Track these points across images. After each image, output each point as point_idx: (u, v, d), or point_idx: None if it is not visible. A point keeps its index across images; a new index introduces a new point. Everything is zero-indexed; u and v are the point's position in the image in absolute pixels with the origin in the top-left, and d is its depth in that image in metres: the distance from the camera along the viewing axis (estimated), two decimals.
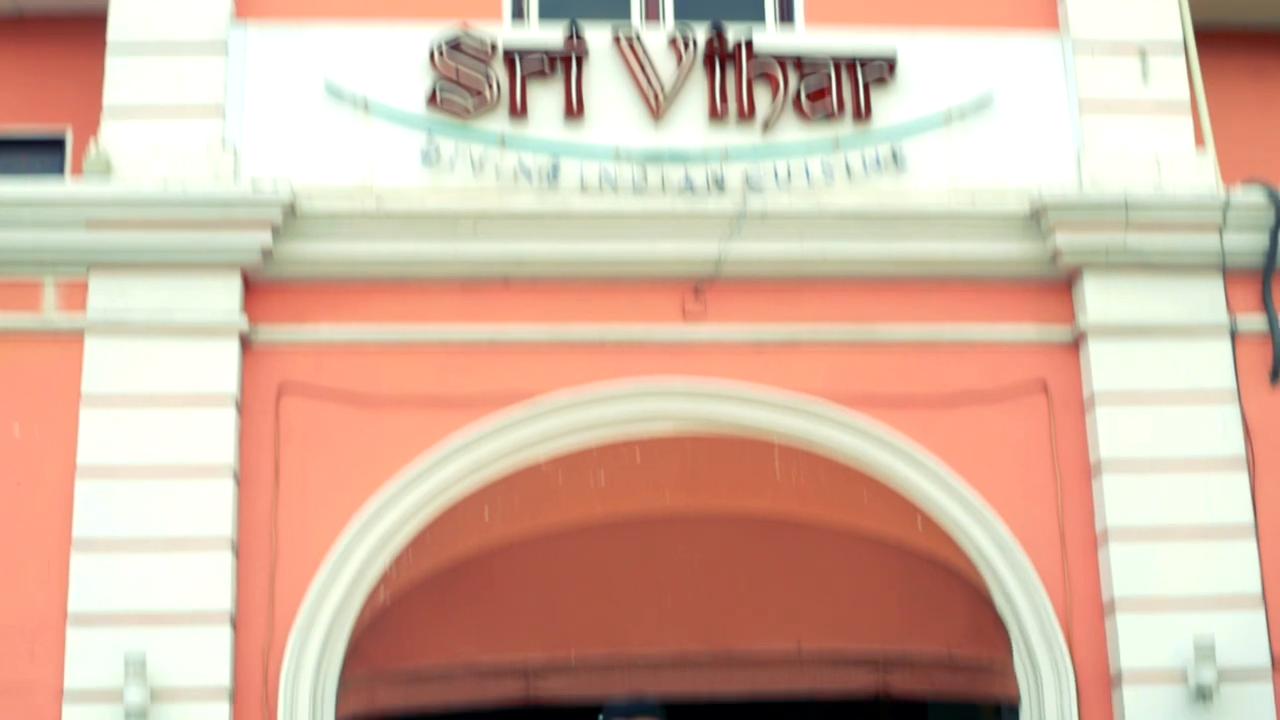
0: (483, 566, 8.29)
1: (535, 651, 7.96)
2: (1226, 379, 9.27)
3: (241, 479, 8.86)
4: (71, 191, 9.02)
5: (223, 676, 8.52)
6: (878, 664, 8.02)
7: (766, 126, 9.34)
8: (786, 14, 9.93)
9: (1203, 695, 8.70)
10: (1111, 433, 9.11)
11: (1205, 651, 8.67)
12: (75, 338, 8.93)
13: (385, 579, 8.71)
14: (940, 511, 9.03)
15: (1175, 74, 9.72)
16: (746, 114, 9.33)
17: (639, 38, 9.43)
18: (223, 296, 8.99)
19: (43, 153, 10.51)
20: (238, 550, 8.76)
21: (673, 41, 9.44)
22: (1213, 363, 9.28)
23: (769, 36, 9.67)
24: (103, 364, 8.89)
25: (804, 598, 8.30)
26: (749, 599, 8.21)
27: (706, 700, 7.73)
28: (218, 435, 8.82)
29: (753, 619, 8.14)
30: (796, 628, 8.10)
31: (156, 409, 8.83)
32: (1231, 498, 9.09)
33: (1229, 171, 9.75)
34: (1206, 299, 9.35)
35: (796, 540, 8.41)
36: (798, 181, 9.29)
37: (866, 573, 8.46)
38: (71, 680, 8.49)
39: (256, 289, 9.10)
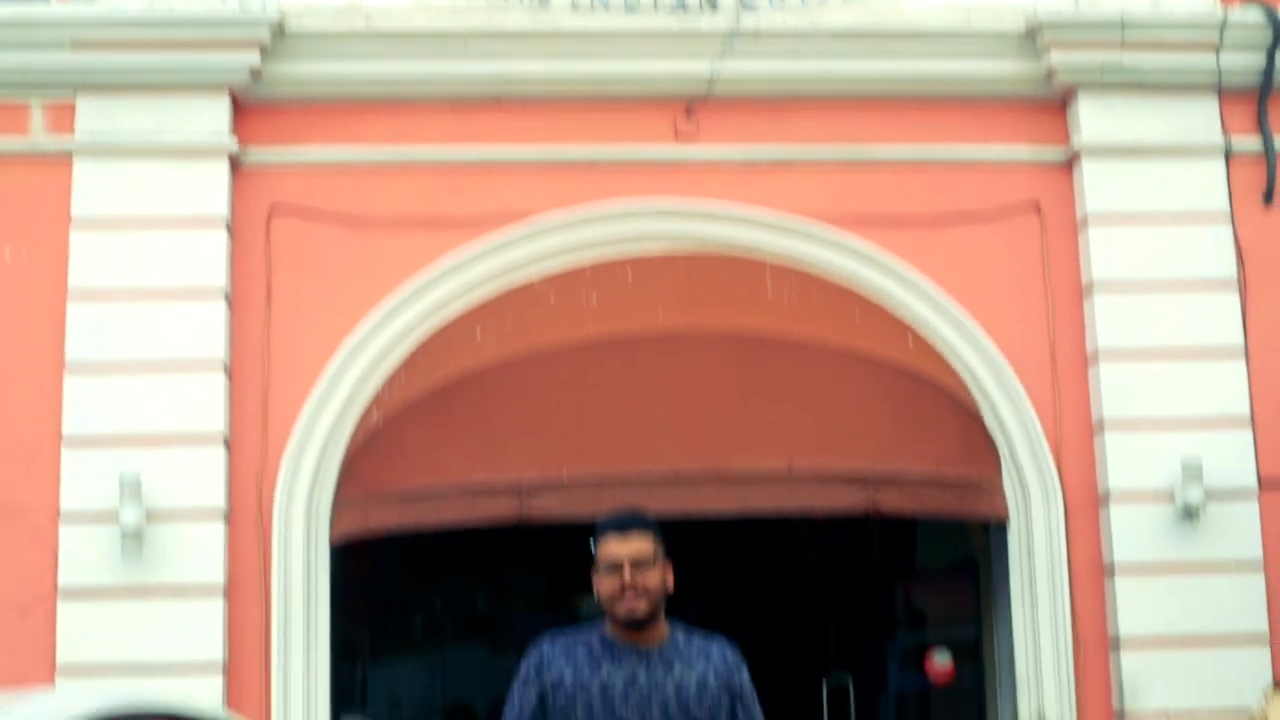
0: (475, 386, 8.30)
1: (528, 470, 8.00)
2: (1220, 200, 9.23)
3: (233, 301, 8.85)
4: (57, 12, 8.91)
5: (217, 497, 8.61)
6: (868, 482, 8.06)
7: None
8: None
9: (1189, 515, 8.79)
10: (1104, 253, 9.10)
11: (1192, 471, 8.75)
12: (64, 160, 8.88)
13: (378, 400, 8.75)
14: (931, 331, 9.06)
15: None
16: None
17: None
18: (211, 118, 8.92)
19: None
20: (230, 372, 8.79)
21: None
22: (1206, 183, 9.24)
23: None
24: (92, 186, 8.84)
25: (795, 416, 8.33)
26: (740, 417, 8.24)
27: (698, 518, 7.78)
28: (208, 257, 8.81)
29: (744, 437, 8.17)
30: (787, 446, 8.14)
31: (146, 231, 8.81)
32: (1222, 319, 9.10)
33: None
34: (1202, 119, 9.28)
35: (788, 359, 8.42)
36: None
37: (858, 391, 8.48)
38: (68, 502, 8.57)
39: (246, 110, 9.02)
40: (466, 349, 8.55)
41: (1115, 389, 8.97)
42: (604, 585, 4.94)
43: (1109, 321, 9.03)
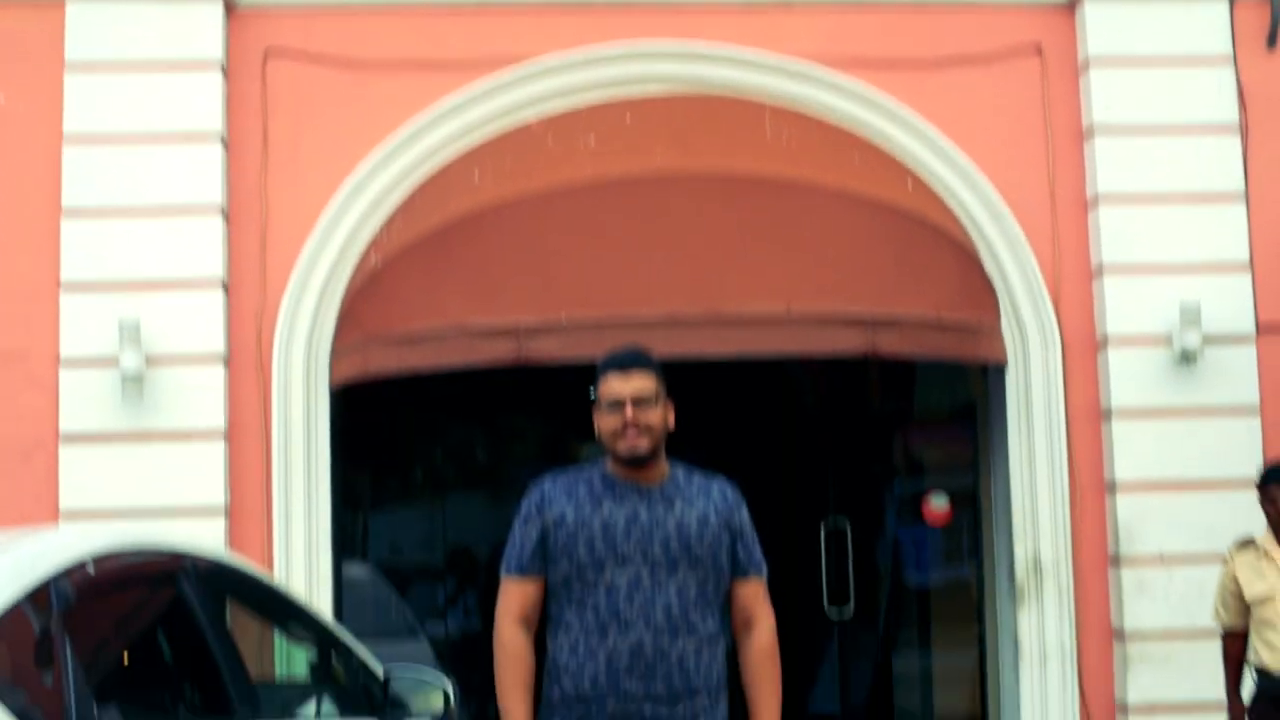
0: (473, 229, 8.26)
1: (526, 313, 7.98)
2: (1223, 43, 9.13)
3: (230, 145, 8.80)
4: None
5: (217, 342, 8.62)
6: (867, 324, 8.02)
7: None
8: None
9: (1187, 359, 8.80)
10: (1105, 97, 9.02)
11: (1191, 316, 8.74)
12: (56, 3, 8.75)
13: (376, 243, 8.72)
14: (931, 175, 9.01)
15: None
16: None
17: None
18: None
19: None
20: (228, 216, 8.77)
21: None
22: (1210, 26, 9.14)
23: None
24: (85, 29, 8.74)
25: (794, 259, 8.29)
26: (739, 260, 8.21)
27: (697, 360, 7.79)
28: (204, 101, 8.74)
29: (743, 280, 8.14)
30: (786, 289, 8.11)
31: (141, 75, 8.73)
32: (1223, 163, 9.04)
33: None
34: None
35: (787, 201, 8.37)
36: None
37: (857, 234, 8.44)
38: (67, 347, 8.58)
39: None
40: (464, 192, 8.51)
41: (1114, 233, 8.94)
42: (605, 423, 4.97)
43: (1109, 165, 8.98)
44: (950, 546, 10.80)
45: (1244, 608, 7.40)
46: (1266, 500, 7.34)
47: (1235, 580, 7.41)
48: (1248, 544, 7.44)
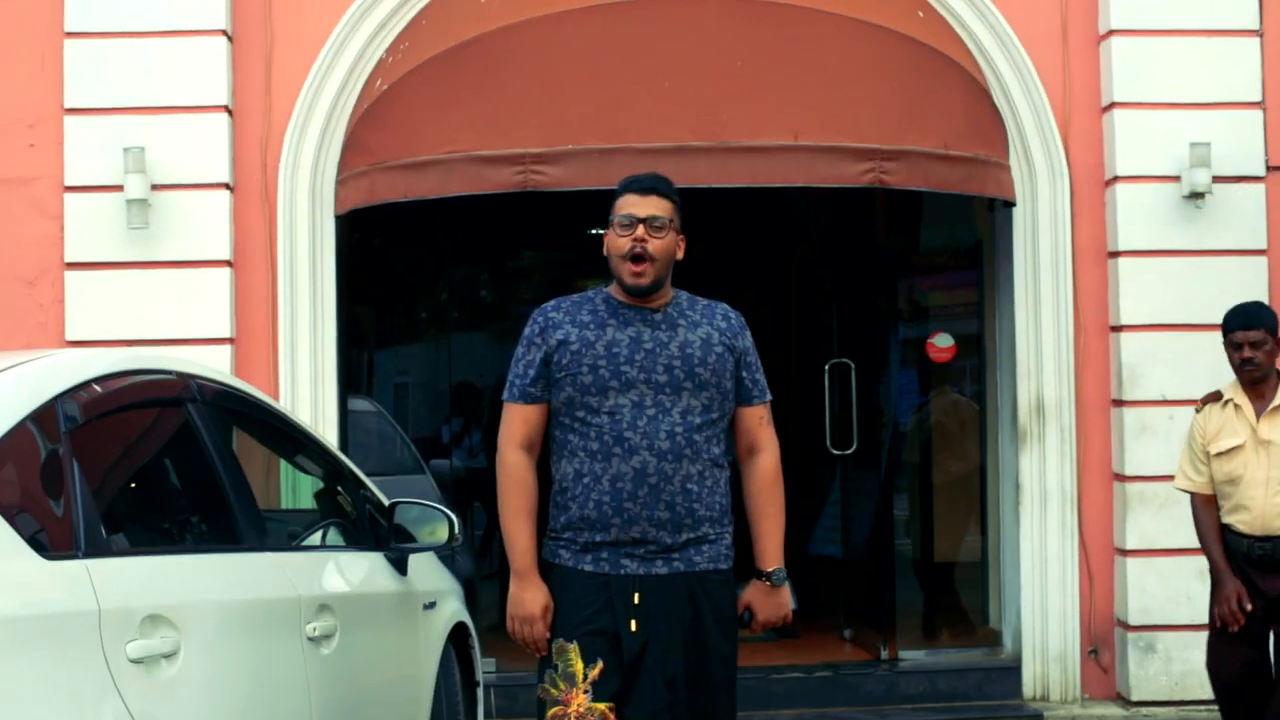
0: (480, 54, 8.15)
1: (533, 141, 7.92)
2: None
3: None
4: None
5: (221, 169, 8.57)
6: (874, 155, 7.97)
7: None
8: None
9: (1195, 198, 8.76)
10: None
11: (1200, 155, 8.69)
12: None
13: (382, 68, 8.62)
14: (941, 4, 8.90)
15: None
16: None
17: None
18: None
19: None
20: (233, 40, 8.68)
21: None
22: None
23: None
24: None
25: (802, 88, 8.19)
26: (747, 89, 8.11)
27: (703, 189, 7.73)
28: None
29: (750, 109, 8.05)
30: (794, 119, 8.02)
31: None
32: None
33: None
34: None
35: (797, 29, 8.24)
36: None
37: (866, 64, 8.33)
38: (72, 174, 8.53)
39: None
40: (471, 16, 8.36)
41: (1126, 69, 8.86)
42: (616, 243, 4.95)
43: None
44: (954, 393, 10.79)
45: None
46: (1231, 346, 6.89)
47: (1203, 436, 6.96)
48: (1213, 397, 7.04)
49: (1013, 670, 9.16)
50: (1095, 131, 8.99)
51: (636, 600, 4.83)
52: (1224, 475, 6.87)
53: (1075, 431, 9.02)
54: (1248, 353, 6.81)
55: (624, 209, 4.95)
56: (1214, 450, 6.89)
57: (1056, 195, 8.98)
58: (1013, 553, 9.27)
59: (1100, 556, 9.00)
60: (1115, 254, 8.89)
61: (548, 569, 4.95)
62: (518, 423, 4.98)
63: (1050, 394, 9.03)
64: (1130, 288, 8.84)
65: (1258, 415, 6.85)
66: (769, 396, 5.15)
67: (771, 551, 5.08)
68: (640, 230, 4.91)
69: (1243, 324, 6.84)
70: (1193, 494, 7.05)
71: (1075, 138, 8.98)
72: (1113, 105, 8.87)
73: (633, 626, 4.81)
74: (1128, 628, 8.84)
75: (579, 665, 4.76)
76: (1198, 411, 7.07)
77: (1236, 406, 6.89)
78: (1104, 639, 9.02)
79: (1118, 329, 8.90)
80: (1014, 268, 9.10)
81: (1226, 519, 6.91)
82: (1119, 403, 8.89)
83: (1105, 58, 8.94)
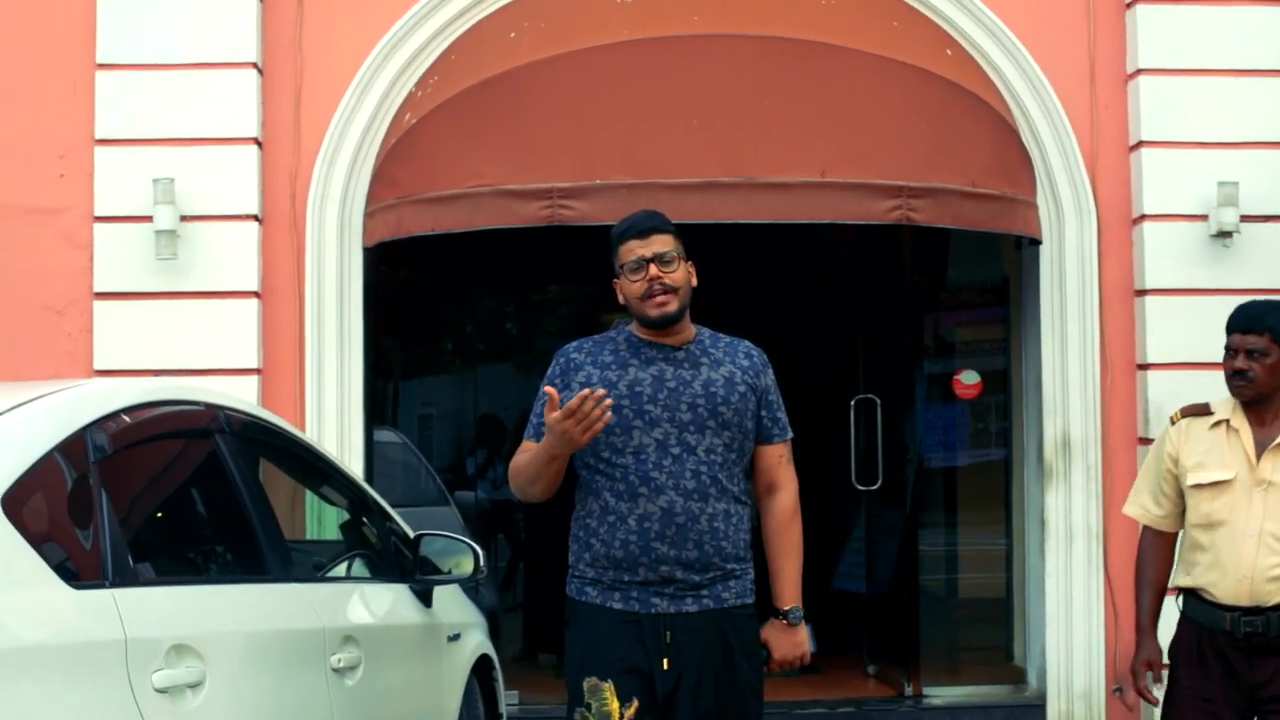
0: (509, 89, 8.19)
1: (560, 175, 7.94)
2: None
3: (266, 0, 8.75)
4: None
5: (250, 200, 8.60)
6: (901, 193, 7.98)
7: None
8: None
9: (1223, 236, 8.75)
10: None
11: (1228, 193, 8.68)
12: None
13: (410, 101, 8.66)
14: (970, 43, 8.92)
15: None
16: None
17: None
18: None
19: None
20: (263, 72, 8.73)
21: None
22: None
23: None
24: None
25: (830, 125, 8.21)
26: (775, 125, 8.12)
27: (730, 225, 7.74)
28: None
29: (778, 145, 8.06)
30: (821, 155, 8.03)
31: None
32: (1267, 38, 8.90)
33: None
34: None
35: (825, 66, 8.27)
36: None
37: (894, 102, 8.34)
38: (101, 204, 8.57)
39: None
40: (501, 52, 8.41)
41: (1154, 108, 8.85)
42: (631, 287, 4.93)
43: (1150, 37, 8.86)
44: (979, 428, 10.81)
45: (1181, 499, 5.46)
46: (1226, 353, 5.48)
47: (1176, 460, 5.45)
48: (1199, 409, 5.54)
49: (1037, 708, 9.12)
50: (1123, 170, 8.99)
51: (668, 639, 4.81)
52: (1201, 517, 5.36)
53: (1101, 469, 8.99)
54: (1241, 362, 5.38)
55: (630, 255, 4.93)
56: (1192, 481, 5.38)
57: (1084, 233, 8.97)
58: (1038, 590, 9.24)
59: (1126, 594, 8.94)
60: (1142, 292, 8.87)
61: (574, 606, 4.93)
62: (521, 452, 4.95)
63: (1076, 431, 9.01)
64: (1157, 326, 8.82)
65: (1259, 448, 5.35)
66: (790, 434, 5.14)
67: (790, 590, 5.07)
68: (652, 269, 4.89)
69: (1240, 325, 5.44)
70: (1145, 526, 5.67)
71: (1103, 176, 8.98)
72: (1140, 144, 8.86)
73: (665, 665, 4.79)
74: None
75: (614, 704, 4.74)
76: (1173, 424, 5.57)
77: (1232, 429, 5.41)
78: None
79: (1144, 367, 8.87)
80: (1040, 305, 9.08)
81: (1197, 582, 5.38)
82: (1145, 440, 8.85)
83: (1133, 97, 8.94)
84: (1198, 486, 5.35)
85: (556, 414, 4.62)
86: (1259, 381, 5.33)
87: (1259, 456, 5.31)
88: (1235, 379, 5.38)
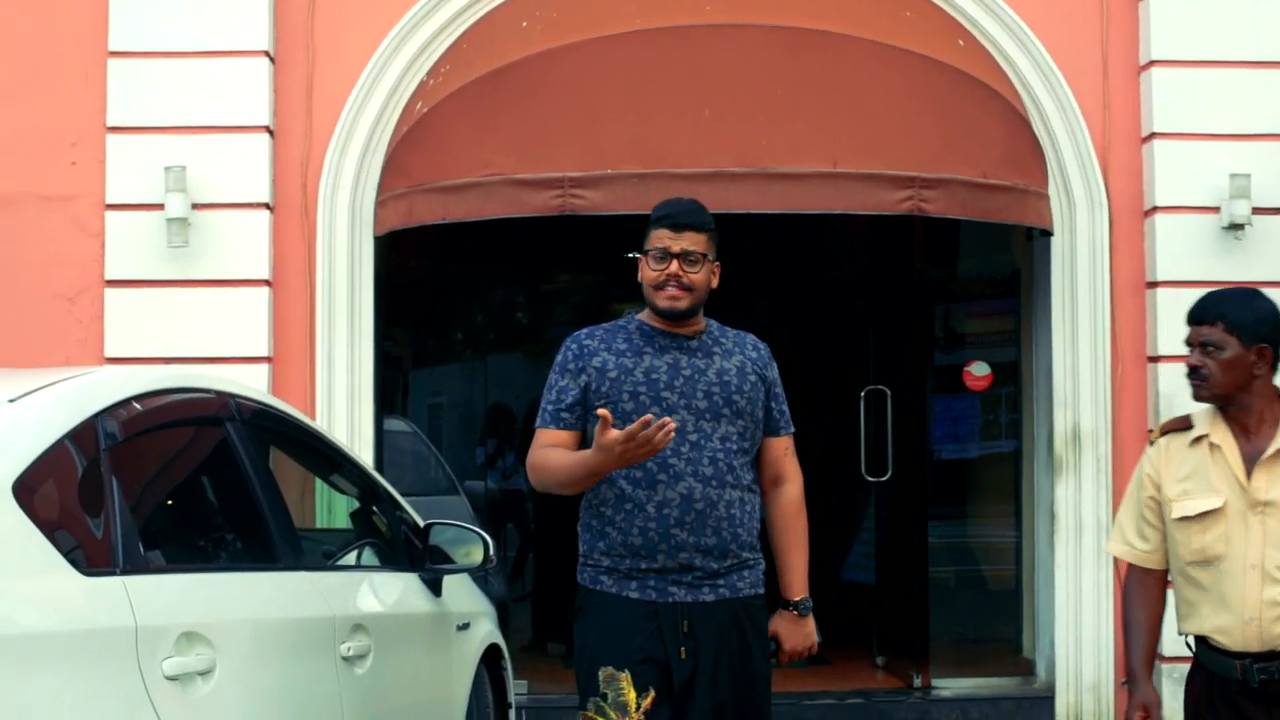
0: (520, 77, 8.18)
1: (572, 164, 7.93)
2: None
3: None
4: None
5: (262, 189, 8.61)
6: (912, 183, 7.97)
7: None
8: None
9: (1234, 228, 8.74)
10: None
11: (1240, 185, 8.66)
12: None
13: (422, 89, 8.66)
14: (982, 34, 8.91)
15: None
16: None
17: None
18: None
19: None
20: (275, 60, 8.73)
21: None
22: None
23: None
24: None
25: (842, 115, 8.20)
26: (786, 115, 8.12)
27: (740, 215, 7.74)
28: None
29: (789, 136, 8.06)
30: (833, 145, 8.02)
31: None
32: (1278, 29, 8.90)
33: None
34: None
35: (837, 56, 8.26)
36: None
37: (906, 92, 8.34)
38: (113, 192, 8.58)
39: None
40: (512, 40, 8.41)
41: (1166, 101, 8.84)
42: (649, 273, 4.93)
43: (1163, 30, 8.84)
44: (989, 420, 10.79)
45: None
46: (1190, 351, 4.70)
47: (1158, 487, 4.70)
48: (1178, 424, 4.77)
49: (1046, 700, 9.12)
50: (1135, 162, 8.97)
51: (686, 628, 4.80)
52: (1193, 554, 4.61)
53: (1111, 461, 8.98)
54: (1194, 358, 4.65)
55: (658, 242, 4.91)
56: (1177, 514, 4.63)
57: (1095, 225, 8.96)
58: (1047, 582, 9.23)
59: None
60: (1154, 284, 8.86)
61: (588, 595, 4.91)
62: (548, 446, 4.91)
63: (1087, 423, 9.00)
64: (1168, 318, 8.78)
65: (1248, 463, 4.59)
66: (793, 428, 5.17)
67: (798, 581, 5.08)
68: (674, 266, 4.87)
69: (1193, 315, 4.71)
70: (1131, 565, 4.89)
71: (1115, 168, 8.96)
72: (1152, 136, 8.84)
73: (682, 654, 4.79)
74: (1162, 659, 8.77)
75: (631, 694, 4.72)
76: (1151, 444, 4.82)
77: (1214, 446, 4.63)
78: None
79: (1155, 359, 8.86)
80: (1052, 297, 9.08)
81: (1202, 629, 4.66)
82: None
83: (1145, 89, 8.92)
84: (1184, 520, 4.61)
85: (615, 435, 4.50)
86: (1214, 380, 4.59)
87: (1249, 474, 4.57)
88: (1190, 378, 4.67)
